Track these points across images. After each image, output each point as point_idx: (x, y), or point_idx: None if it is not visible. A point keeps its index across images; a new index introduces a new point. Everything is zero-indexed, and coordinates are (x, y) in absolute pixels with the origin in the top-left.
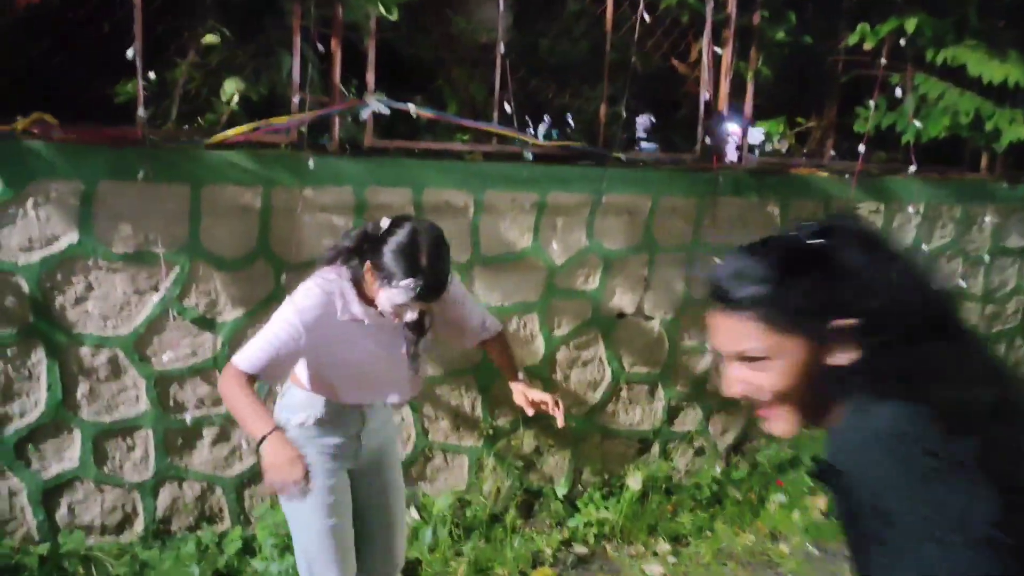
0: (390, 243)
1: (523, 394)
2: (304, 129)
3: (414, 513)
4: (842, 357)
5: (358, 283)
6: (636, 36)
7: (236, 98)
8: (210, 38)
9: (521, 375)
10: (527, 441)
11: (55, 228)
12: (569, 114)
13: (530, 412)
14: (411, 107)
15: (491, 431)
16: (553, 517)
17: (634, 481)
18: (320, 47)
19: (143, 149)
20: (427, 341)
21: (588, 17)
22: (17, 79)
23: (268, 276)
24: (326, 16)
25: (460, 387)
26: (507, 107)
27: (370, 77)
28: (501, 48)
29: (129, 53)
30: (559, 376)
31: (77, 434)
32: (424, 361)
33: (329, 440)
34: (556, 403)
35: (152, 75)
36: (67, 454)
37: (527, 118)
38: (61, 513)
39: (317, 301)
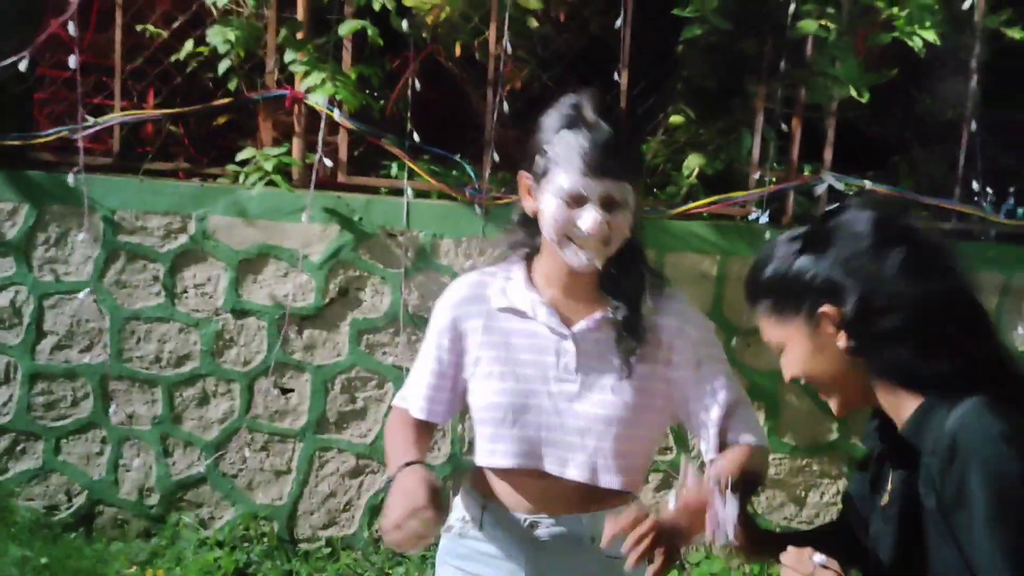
0: (540, 121)
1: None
2: (756, 204)
3: None
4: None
5: (530, 258)
6: None
7: (696, 172)
8: (676, 118)
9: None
10: None
11: None
12: None
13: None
14: (866, 184)
15: None
16: None
17: None
18: (783, 126)
19: None
20: (655, 378)
21: None
22: None
23: (719, 339)
24: (789, 97)
25: None
26: (974, 184)
27: (827, 154)
28: (972, 125)
29: None
30: None
31: None
32: (647, 423)
33: (475, 568)
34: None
35: None
36: None
37: (993, 195)
38: None
39: (465, 287)
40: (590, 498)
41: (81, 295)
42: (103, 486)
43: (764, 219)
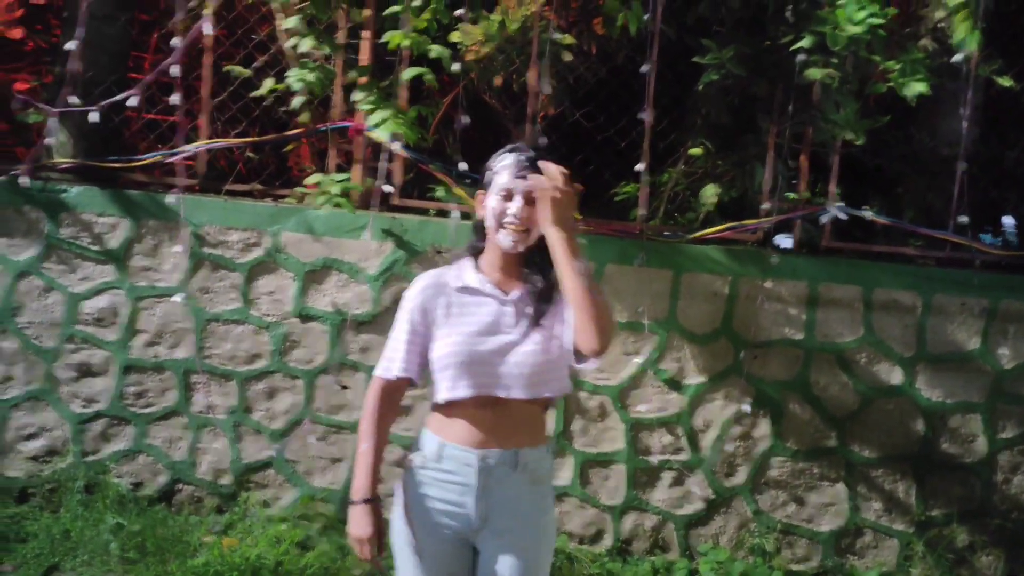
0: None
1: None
2: (768, 229)
3: None
4: None
5: (477, 255)
6: None
7: (713, 200)
8: (695, 151)
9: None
10: (960, 535)
11: None
12: None
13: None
14: (868, 213)
15: (923, 518)
16: None
17: None
18: (790, 161)
19: (640, 241)
20: (558, 323)
21: None
22: None
23: (729, 351)
24: (798, 134)
25: (895, 473)
26: (963, 217)
27: (832, 187)
28: (962, 165)
29: (638, 167)
30: (999, 478)
31: (570, 459)
32: (557, 350)
33: (433, 492)
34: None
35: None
36: (562, 474)
37: (987, 227)
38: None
39: (428, 276)
40: (527, 423)
41: (177, 298)
42: (183, 467)
43: (787, 243)
